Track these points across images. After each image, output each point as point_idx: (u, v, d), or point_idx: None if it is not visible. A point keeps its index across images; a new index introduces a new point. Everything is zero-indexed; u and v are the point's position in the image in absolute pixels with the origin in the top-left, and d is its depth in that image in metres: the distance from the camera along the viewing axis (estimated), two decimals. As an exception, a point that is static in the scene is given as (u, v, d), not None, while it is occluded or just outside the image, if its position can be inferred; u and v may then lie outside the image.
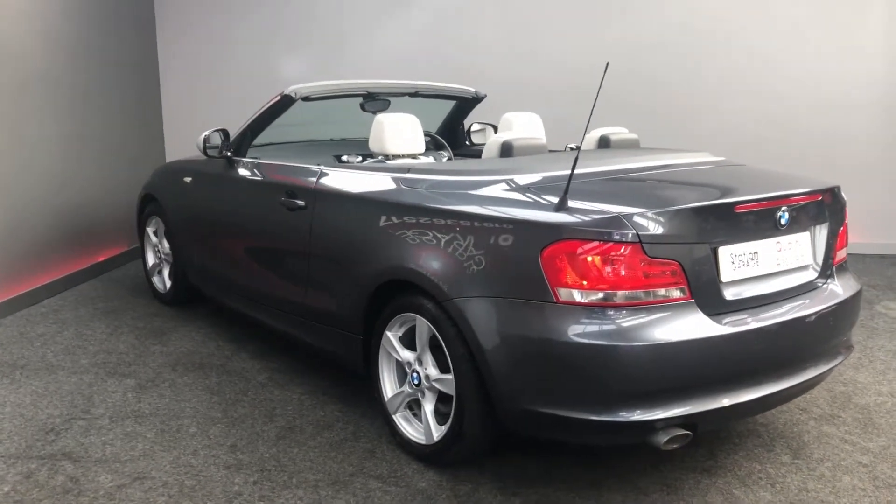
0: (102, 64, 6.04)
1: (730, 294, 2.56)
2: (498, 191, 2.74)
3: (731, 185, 2.84)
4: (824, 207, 2.86)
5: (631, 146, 3.62)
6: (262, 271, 3.86)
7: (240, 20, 7.07)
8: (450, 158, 4.77)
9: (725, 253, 2.55)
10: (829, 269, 2.92)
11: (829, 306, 2.76)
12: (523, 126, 4.09)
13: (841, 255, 3.00)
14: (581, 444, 2.97)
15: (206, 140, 4.07)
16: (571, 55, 6.35)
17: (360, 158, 3.57)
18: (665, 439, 2.40)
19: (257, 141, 4.30)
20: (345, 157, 3.56)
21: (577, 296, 2.40)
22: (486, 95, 4.78)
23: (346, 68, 6.83)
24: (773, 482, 2.79)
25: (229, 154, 4.13)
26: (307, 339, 3.55)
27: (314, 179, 3.44)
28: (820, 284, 2.86)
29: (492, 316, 2.56)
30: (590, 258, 2.39)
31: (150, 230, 5.05)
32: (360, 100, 4.32)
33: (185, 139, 7.06)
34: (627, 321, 2.38)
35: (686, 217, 2.47)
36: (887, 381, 3.70)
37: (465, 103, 4.87)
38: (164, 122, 7.16)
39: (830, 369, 2.84)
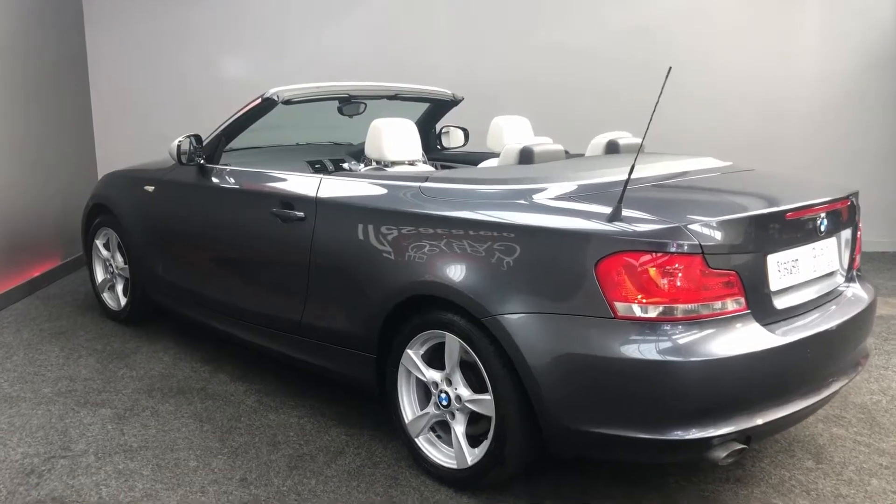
0: (26, 62, 5.55)
1: (779, 303, 2.52)
2: (540, 200, 2.61)
3: (770, 192, 2.82)
4: (848, 212, 2.88)
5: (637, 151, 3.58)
6: (247, 287, 3.60)
7: (175, 17, 6.67)
8: (425, 163, 4.62)
9: (773, 261, 2.51)
10: (850, 273, 2.94)
11: (857, 311, 2.77)
12: (513, 129, 3.98)
13: (857, 259, 3.03)
14: (630, 463, 2.89)
15: (179, 147, 3.77)
16: (525, 55, 6.30)
17: (361, 166, 3.37)
18: (723, 455, 2.34)
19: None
20: (347, 164, 3.34)
21: (637, 310, 2.31)
22: (462, 98, 4.65)
23: (290, 70, 6.56)
24: (807, 490, 2.77)
25: (202, 161, 3.85)
26: (306, 359, 3.33)
27: (315, 189, 3.22)
28: (844, 290, 2.87)
29: (542, 333, 2.43)
30: (651, 270, 2.30)
31: (99, 243, 4.67)
32: (336, 103, 4.13)
33: (117, 143, 6.65)
34: (687, 336, 2.30)
35: (743, 226, 2.43)
36: (874, 380, 3.79)
37: (441, 106, 4.72)
38: (94, 126, 6.68)
39: (857, 374, 2.85)
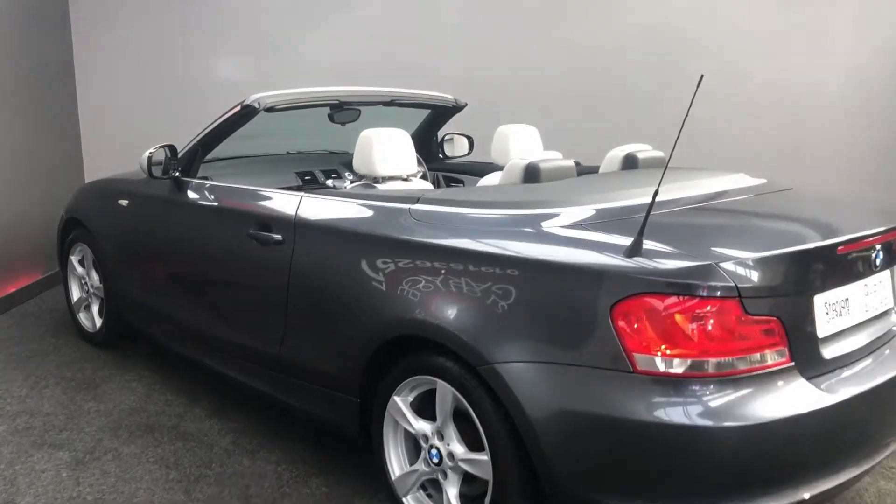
0: (8, 66, 5.23)
1: (828, 351, 2.14)
2: (546, 228, 2.24)
3: (816, 219, 2.45)
4: None
5: (659, 165, 3.19)
6: (223, 315, 3.25)
7: (166, 20, 6.33)
8: (424, 174, 4.26)
9: (820, 303, 2.13)
10: None
11: None
12: (521, 140, 3.62)
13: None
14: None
15: (150, 159, 3.43)
16: (545, 55, 5.87)
17: (347, 183, 3.00)
18: None
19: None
20: (331, 181, 2.98)
21: (660, 364, 1.94)
22: (466, 104, 4.28)
23: (286, 73, 6.20)
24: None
25: (177, 174, 3.50)
26: (284, 399, 2.97)
27: (294, 208, 2.86)
28: None
29: (547, 386, 2.07)
30: (677, 317, 1.92)
31: (74, 259, 4.33)
32: (328, 110, 3.78)
33: (105, 151, 6.30)
34: (720, 396, 1.93)
35: (787, 263, 2.05)
36: None
37: (443, 112, 4.36)
38: (81, 133, 6.36)
39: None
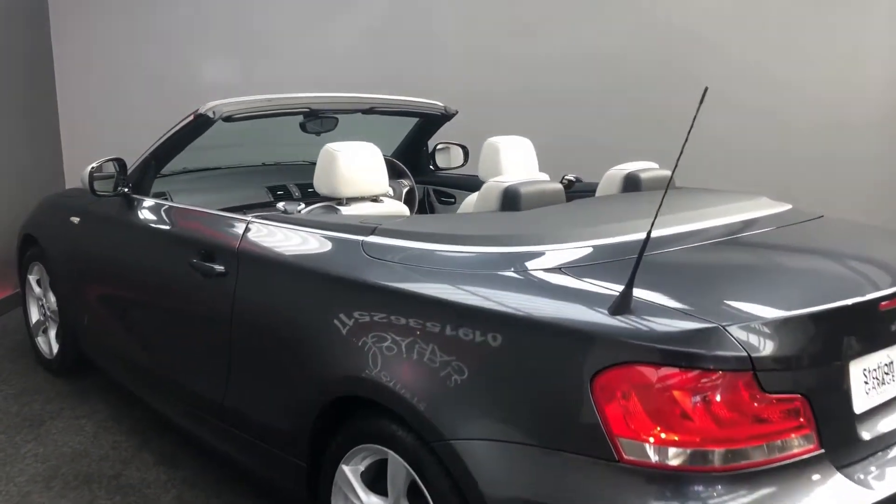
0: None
1: (867, 431, 1.72)
2: (519, 272, 1.84)
3: (854, 262, 2.02)
4: None
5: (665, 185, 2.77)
6: (168, 353, 2.89)
7: (150, 16, 5.98)
8: (411, 187, 3.88)
9: (857, 370, 1.71)
10: None
11: None
12: (513, 155, 3.20)
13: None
14: None
15: (93, 173, 3.07)
16: (551, 60, 5.42)
17: (301, 205, 2.61)
18: None
19: (167, 167, 3.34)
20: (282, 204, 2.60)
21: (651, 453, 1.53)
22: (456, 112, 3.88)
23: (277, 74, 5.83)
24: None
25: (126, 191, 3.14)
26: (230, 453, 2.60)
27: (238, 236, 2.48)
28: None
29: (512, 472, 1.67)
30: (675, 393, 1.51)
31: (32, 279, 4.00)
32: (301, 118, 3.40)
33: (88, 156, 5.93)
34: (732, 497, 1.51)
35: (816, 324, 1.63)
36: None
37: (431, 121, 3.96)
38: (62, 136, 6.03)
39: None
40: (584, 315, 1.66)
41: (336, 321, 2.06)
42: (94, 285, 3.38)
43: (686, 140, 1.61)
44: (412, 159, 4.13)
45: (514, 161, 3.18)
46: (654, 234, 1.75)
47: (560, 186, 2.41)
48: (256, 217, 2.51)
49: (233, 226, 2.55)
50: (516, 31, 5.33)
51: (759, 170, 4.40)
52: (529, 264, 1.85)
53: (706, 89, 1.52)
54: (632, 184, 2.69)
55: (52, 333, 3.89)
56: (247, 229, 2.48)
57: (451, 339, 1.79)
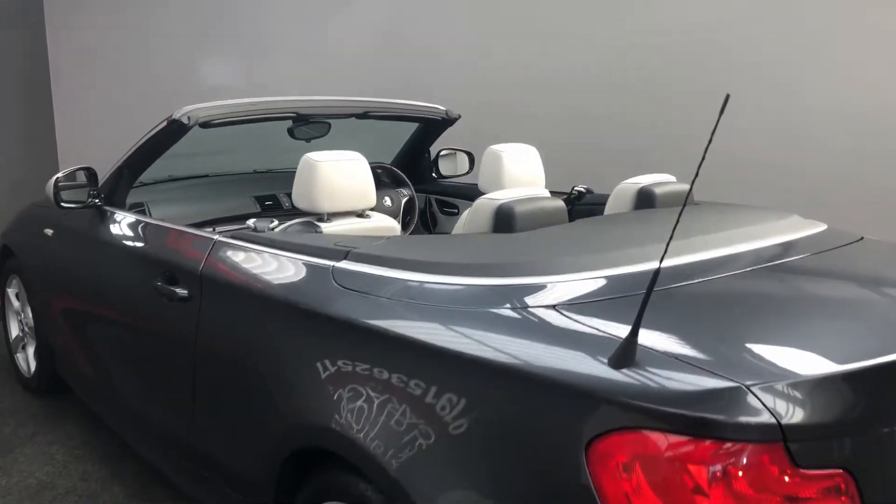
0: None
1: None
2: (507, 310, 1.56)
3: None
4: None
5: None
6: (133, 383, 2.65)
7: (147, 14, 5.77)
8: (410, 197, 3.62)
9: None
10: None
11: None
12: (517, 165, 2.93)
13: None
14: None
15: (58, 183, 2.84)
16: (564, 61, 5.11)
17: (274, 222, 2.35)
18: None
19: (147, 176, 3.11)
20: (252, 221, 2.34)
21: (660, 539, 1.25)
22: (459, 116, 3.61)
23: (278, 74, 5.60)
24: None
25: (98, 202, 2.91)
26: (195, 495, 2.35)
27: (202, 257, 2.23)
28: None
29: (494, 553, 1.40)
30: (688, 467, 1.24)
31: (11, 292, 3.79)
32: (290, 123, 3.16)
33: (83, 160, 5.75)
34: None
35: (862, 382, 1.34)
36: None
37: (433, 126, 3.70)
38: (57, 140, 5.84)
39: None
40: (580, 366, 1.39)
41: (303, 361, 1.81)
42: (63, 303, 3.15)
43: (706, 151, 1.33)
44: (413, 167, 3.87)
45: (518, 172, 2.91)
46: (670, 262, 1.47)
47: (561, 204, 2.13)
48: (224, 235, 2.26)
49: (197, 245, 2.30)
50: (535, 24, 5.04)
51: (785, 185, 4.05)
52: (519, 301, 1.58)
53: (727, 97, 1.25)
54: (645, 200, 2.39)
55: (31, 351, 3.68)
56: (212, 249, 2.23)
57: (429, 391, 1.53)
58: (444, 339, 1.55)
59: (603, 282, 1.64)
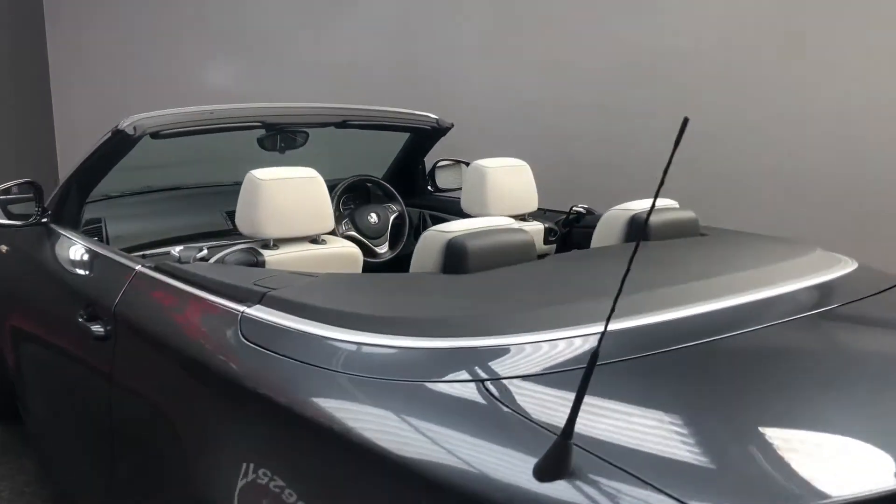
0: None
1: None
2: (420, 387, 1.23)
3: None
4: None
5: (687, 232, 2.09)
6: (62, 425, 2.37)
7: (148, 16, 5.55)
8: (400, 213, 3.31)
9: None
10: None
11: None
12: (503, 182, 2.59)
13: None
14: None
15: None
16: (582, 61, 4.72)
17: (203, 250, 2.04)
18: None
19: (109, 188, 2.87)
20: (177, 249, 2.03)
21: None
22: (451, 125, 3.29)
23: (286, 77, 5.34)
24: None
25: (43, 220, 2.65)
26: None
27: (118, 290, 1.94)
28: None
29: None
30: None
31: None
32: (262, 133, 2.88)
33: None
34: None
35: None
36: None
37: (424, 136, 3.37)
38: (56, 139, 5.66)
39: None
40: (501, 472, 1.05)
41: (204, 430, 1.50)
42: (10, 326, 2.91)
43: (664, 177, 0.99)
44: (407, 180, 3.56)
45: (504, 191, 2.57)
46: (664, 315, 1.14)
47: (528, 237, 1.79)
48: (146, 265, 1.97)
49: (117, 275, 2.01)
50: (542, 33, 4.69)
51: (794, 218, 3.58)
52: (439, 371, 1.25)
53: (686, 120, 0.91)
54: (637, 230, 2.03)
55: (-3, 372, 3.45)
56: (131, 281, 1.94)
57: (343, 492, 1.21)
58: (342, 423, 1.23)
59: (558, 347, 1.30)
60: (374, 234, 3.22)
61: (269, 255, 2.11)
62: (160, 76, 5.58)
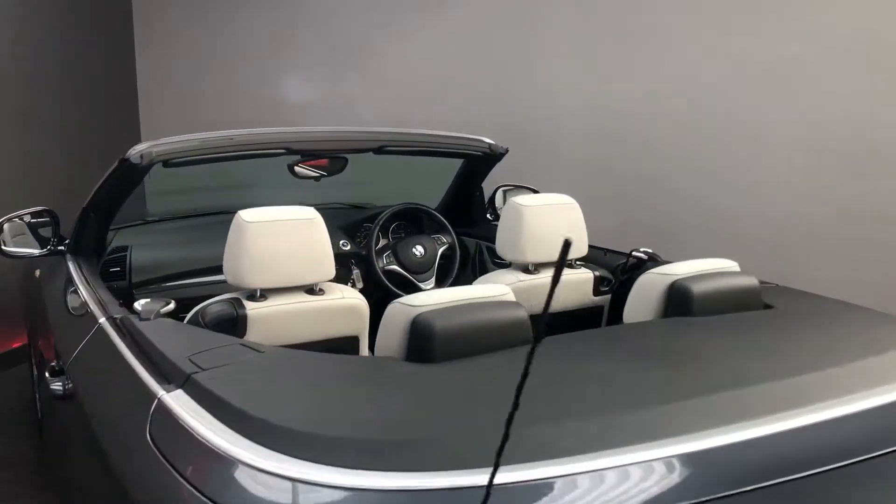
0: (72, 96, 4.75)
1: None
2: None
3: None
4: None
5: (745, 304, 1.66)
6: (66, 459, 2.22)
7: (236, 24, 5.50)
8: (450, 244, 3.02)
9: None
10: None
11: None
12: (541, 225, 2.22)
13: None
14: None
15: (2, 225, 2.50)
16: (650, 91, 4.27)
17: (171, 304, 1.80)
18: None
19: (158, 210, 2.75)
20: (141, 303, 1.79)
21: None
22: (506, 150, 2.95)
23: (365, 89, 5.15)
24: None
25: (60, 248, 2.54)
26: None
27: (77, 345, 1.75)
28: None
29: None
30: None
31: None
32: (293, 159, 2.66)
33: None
34: None
35: None
36: None
37: (477, 161, 3.06)
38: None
39: None
40: None
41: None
42: (38, 350, 2.82)
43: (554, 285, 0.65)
44: (463, 208, 3.26)
45: (544, 234, 2.20)
46: (710, 440, 0.84)
47: (521, 316, 1.44)
48: (113, 316, 1.75)
49: (81, 327, 1.81)
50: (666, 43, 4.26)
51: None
52: None
53: (567, 242, 0.59)
54: (680, 301, 1.62)
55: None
56: (90, 336, 1.73)
57: None
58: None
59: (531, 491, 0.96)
60: (419, 269, 2.95)
61: (251, 307, 1.84)
62: (245, 86, 5.53)
